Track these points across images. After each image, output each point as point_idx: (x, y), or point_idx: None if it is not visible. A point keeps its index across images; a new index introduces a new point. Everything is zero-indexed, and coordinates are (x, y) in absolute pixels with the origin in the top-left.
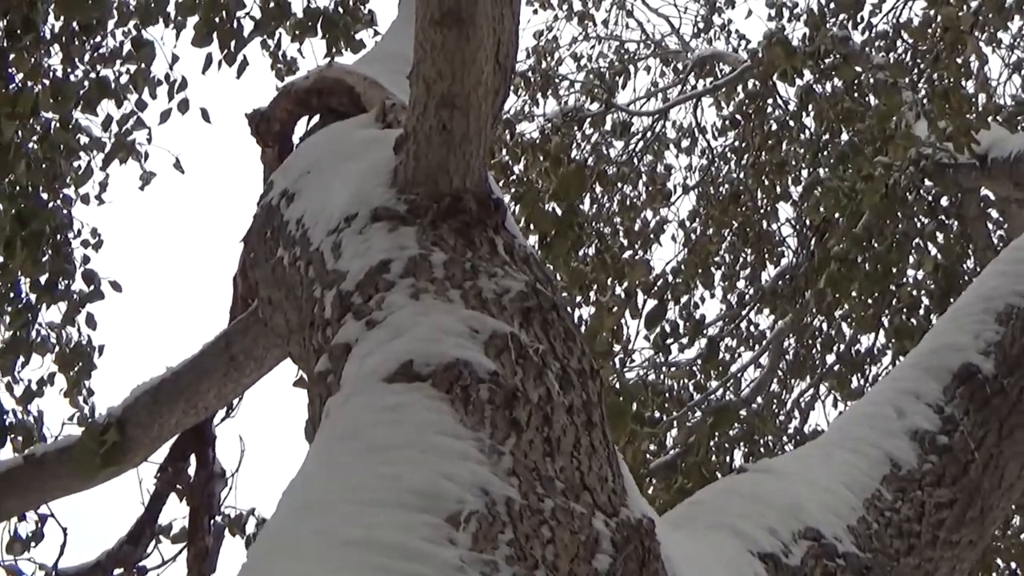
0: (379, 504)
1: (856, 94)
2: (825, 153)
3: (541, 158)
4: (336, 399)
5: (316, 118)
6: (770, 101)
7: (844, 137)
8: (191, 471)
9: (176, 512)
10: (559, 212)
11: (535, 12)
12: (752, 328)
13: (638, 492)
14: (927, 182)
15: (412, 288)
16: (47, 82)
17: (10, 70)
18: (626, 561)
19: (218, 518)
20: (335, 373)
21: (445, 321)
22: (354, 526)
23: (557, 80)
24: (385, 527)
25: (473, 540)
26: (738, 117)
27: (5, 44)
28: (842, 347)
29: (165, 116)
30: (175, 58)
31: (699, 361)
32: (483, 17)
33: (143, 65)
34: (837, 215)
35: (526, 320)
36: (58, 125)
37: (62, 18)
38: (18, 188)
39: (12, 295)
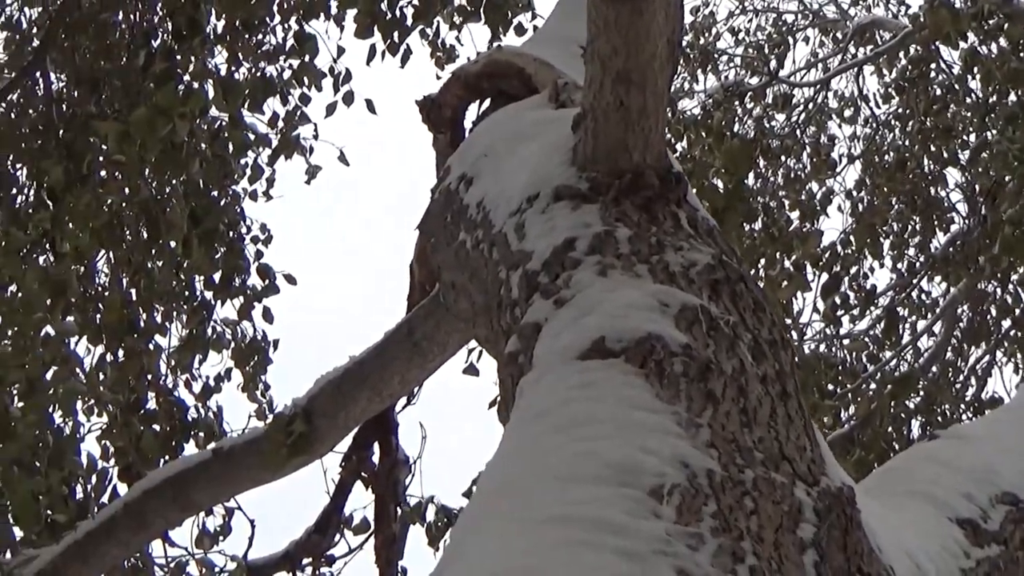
0: (579, 480)
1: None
2: (993, 115)
3: (704, 134)
4: (529, 379)
5: (487, 102)
6: (933, 66)
7: (1012, 98)
8: (375, 459)
9: (359, 502)
10: (727, 187)
11: None
12: (924, 296)
13: (835, 461)
14: None
15: (599, 265)
16: (213, 81)
17: (178, 71)
18: (830, 530)
19: (403, 505)
20: (525, 353)
21: (634, 296)
22: (555, 503)
23: (716, 55)
24: (586, 503)
25: (677, 513)
26: (901, 83)
27: (173, 46)
28: (1018, 312)
29: (331, 109)
30: (340, 51)
31: (871, 332)
32: None
33: (306, 59)
34: (1008, 177)
35: (715, 292)
36: (228, 123)
37: (224, 17)
38: (190, 188)
39: (188, 293)
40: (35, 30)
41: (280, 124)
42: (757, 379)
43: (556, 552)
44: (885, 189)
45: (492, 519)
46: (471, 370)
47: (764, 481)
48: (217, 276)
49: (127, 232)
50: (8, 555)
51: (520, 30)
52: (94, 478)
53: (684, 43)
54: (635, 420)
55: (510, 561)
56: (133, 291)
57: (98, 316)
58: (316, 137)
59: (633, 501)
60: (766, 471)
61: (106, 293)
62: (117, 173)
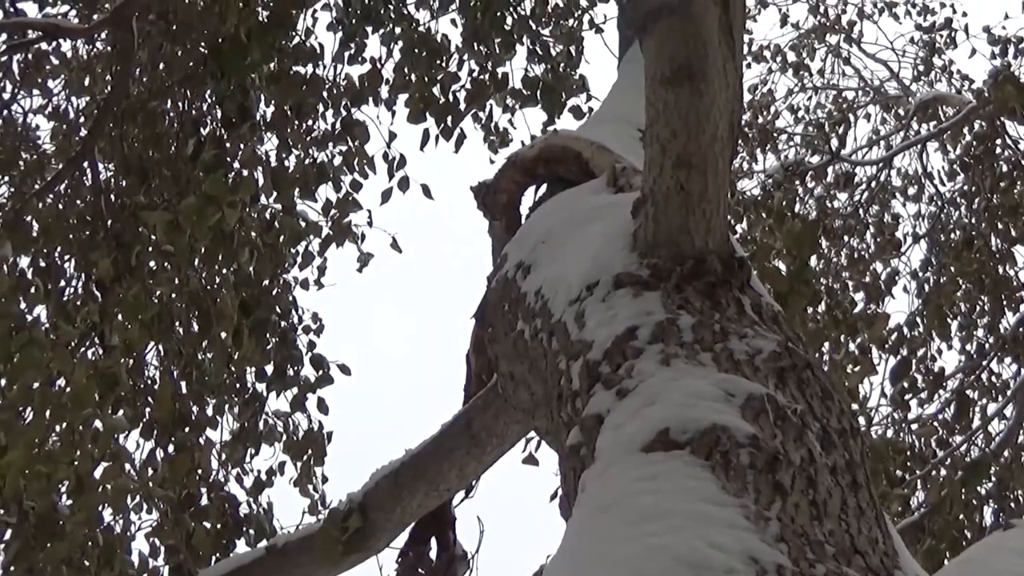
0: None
1: None
2: None
3: (764, 215)
4: (592, 471)
5: (543, 187)
6: (999, 141)
7: None
8: (432, 554)
9: None
10: (790, 269)
11: (748, 66)
12: (994, 378)
13: (908, 553)
14: None
15: (662, 354)
16: (263, 168)
17: (228, 158)
18: None
19: None
20: (588, 445)
21: (699, 386)
22: None
23: (775, 134)
24: None
25: None
26: (966, 160)
27: (223, 133)
28: None
29: (386, 196)
30: (392, 135)
31: (941, 416)
32: (715, 72)
33: (356, 144)
34: None
35: (781, 380)
36: (280, 211)
37: (274, 103)
38: (241, 278)
39: (239, 385)
40: (83, 119)
41: (332, 211)
42: (827, 470)
43: None
44: (952, 268)
45: None
46: (531, 460)
47: None
48: (269, 368)
49: (177, 324)
50: None
51: (576, 112)
52: None
53: (743, 122)
54: (702, 514)
55: None
56: (183, 384)
57: (148, 410)
58: (371, 224)
59: None
60: (838, 566)
61: (156, 386)
62: (166, 264)
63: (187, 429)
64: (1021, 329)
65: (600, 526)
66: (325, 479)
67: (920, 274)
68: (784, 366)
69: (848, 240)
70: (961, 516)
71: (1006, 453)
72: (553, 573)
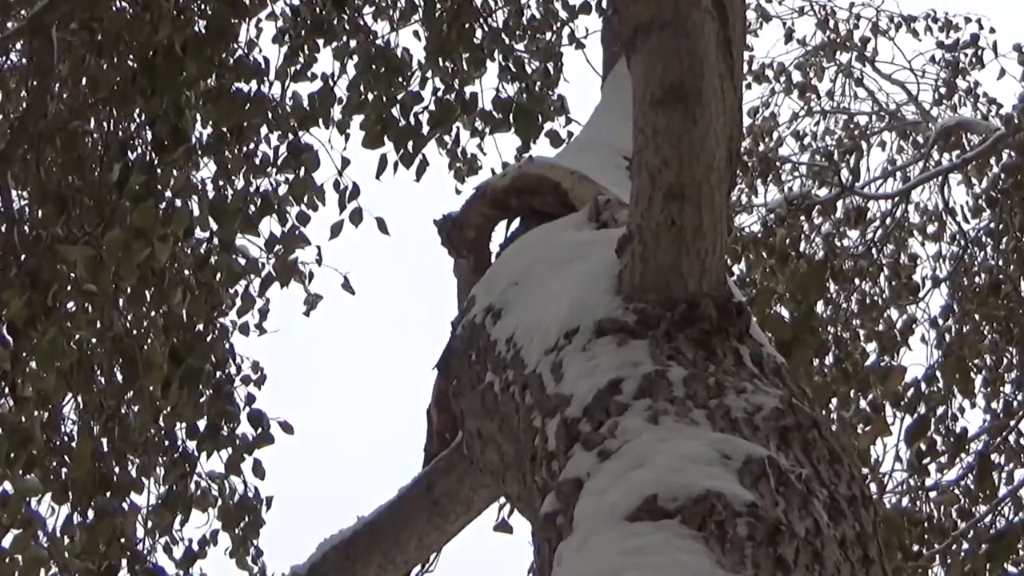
0: None
1: None
2: None
3: (766, 255)
4: (569, 543)
5: (516, 222)
6: None
7: None
8: None
9: None
10: (794, 316)
11: (748, 87)
12: (1023, 440)
13: None
14: None
15: (650, 410)
16: (198, 198)
17: (159, 187)
18: None
19: None
20: (565, 513)
21: (691, 447)
22: None
23: (779, 163)
24: None
25: None
26: (993, 194)
27: (153, 158)
28: None
29: (336, 230)
30: (345, 162)
31: (963, 482)
32: (711, 93)
33: (304, 172)
34: None
35: (784, 441)
36: (217, 247)
37: (213, 125)
38: (172, 321)
39: (168, 443)
40: None
41: (277, 247)
42: (835, 542)
43: None
44: (976, 316)
45: None
46: (503, 528)
47: None
48: (202, 424)
49: (98, 373)
50: None
51: (554, 138)
52: None
53: (742, 150)
54: None
55: None
56: (105, 441)
57: (64, 471)
58: (319, 262)
59: None
60: None
61: (74, 444)
62: (87, 305)
63: (108, 492)
64: None
65: None
66: (260, 552)
67: (940, 322)
68: (787, 425)
69: (860, 283)
70: None
71: None
72: None
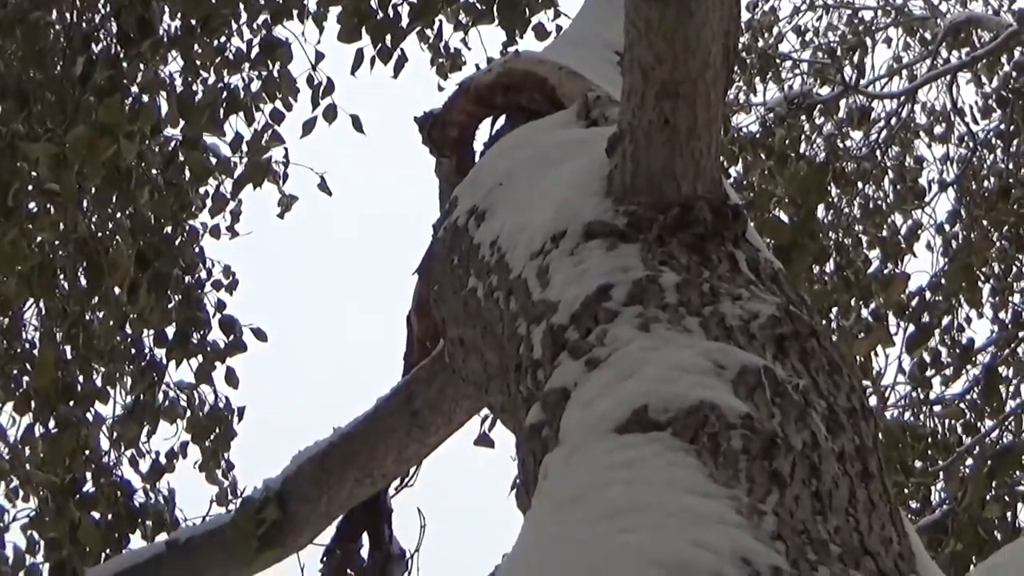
0: None
1: None
2: None
3: (764, 156)
4: (555, 456)
5: (502, 119)
6: None
7: None
8: (364, 553)
9: None
10: (793, 220)
11: None
12: None
13: (927, 556)
14: None
15: (640, 318)
16: (166, 94)
17: (125, 82)
18: None
19: None
20: (551, 425)
21: (683, 356)
22: None
23: (778, 60)
24: None
25: None
26: (1004, 94)
27: (119, 52)
28: None
29: (309, 127)
30: (319, 56)
31: (968, 396)
32: None
33: (278, 68)
34: None
35: (781, 350)
36: (185, 145)
37: (181, 17)
38: (139, 223)
39: (134, 351)
40: None
41: (246, 146)
42: (833, 456)
43: None
44: (984, 222)
45: None
46: (484, 441)
47: None
48: (170, 330)
49: (62, 277)
50: None
51: (541, 32)
52: None
53: (740, 46)
54: (686, 507)
55: None
56: (68, 348)
57: (26, 379)
58: (287, 162)
59: None
60: (844, 569)
61: (36, 351)
62: (50, 205)
63: (72, 402)
64: None
65: (564, 522)
66: (231, 465)
67: (947, 228)
68: (784, 334)
69: (863, 187)
70: (990, 515)
71: None
72: None
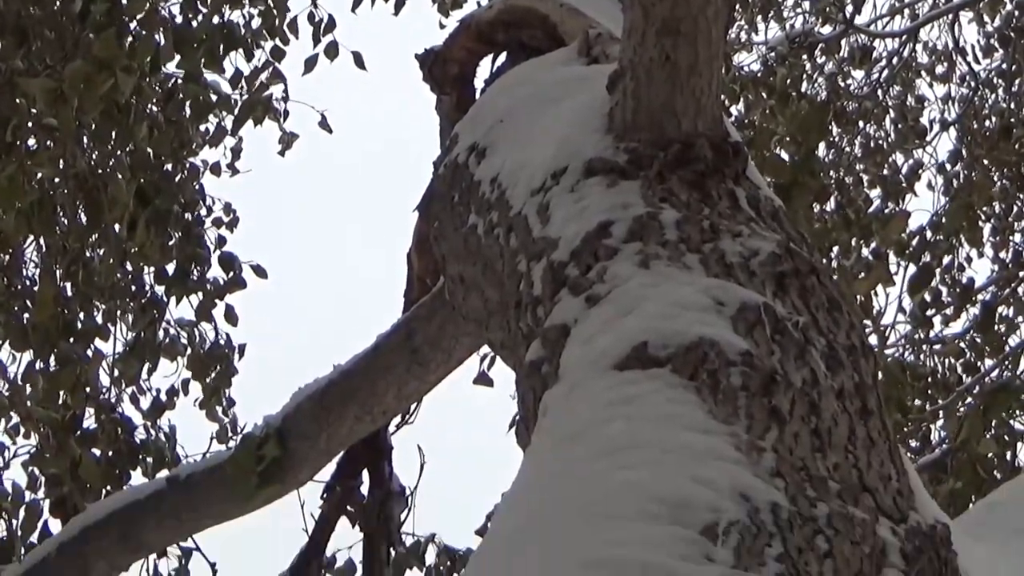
0: (620, 517)
1: None
2: None
3: (765, 95)
4: (555, 392)
5: (503, 56)
6: None
7: None
8: (364, 490)
9: (346, 540)
10: (794, 159)
11: None
12: None
13: (926, 493)
14: None
15: (640, 254)
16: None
17: (123, 16)
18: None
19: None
20: (550, 361)
21: (683, 293)
22: (591, 544)
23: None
24: (628, 544)
25: (735, 556)
26: (1007, 33)
27: None
28: None
29: (311, 64)
30: None
31: (969, 336)
32: None
33: (276, 3)
34: None
35: (781, 288)
36: (185, 80)
37: None
38: (138, 159)
39: (135, 288)
40: None
41: (245, 83)
42: (832, 393)
43: None
44: (986, 161)
45: (513, 564)
46: (483, 380)
47: (841, 517)
48: (170, 267)
49: (61, 213)
50: None
51: None
52: (21, 512)
53: None
54: (685, 444)
55: None
56: (68, 285)
57: (26, 316)
58: (286, 98)
59: (683, 542)
60: (843, 505)
61: (35, 288)
62: (49, 141)
63: (72, 339)
64: None
65: (564, 459)
66: (232, 402)
67: (948, 168)
68: (785, 271)
69: (864, 126)
70: (986, 451)
71: None
72: (506, 514)
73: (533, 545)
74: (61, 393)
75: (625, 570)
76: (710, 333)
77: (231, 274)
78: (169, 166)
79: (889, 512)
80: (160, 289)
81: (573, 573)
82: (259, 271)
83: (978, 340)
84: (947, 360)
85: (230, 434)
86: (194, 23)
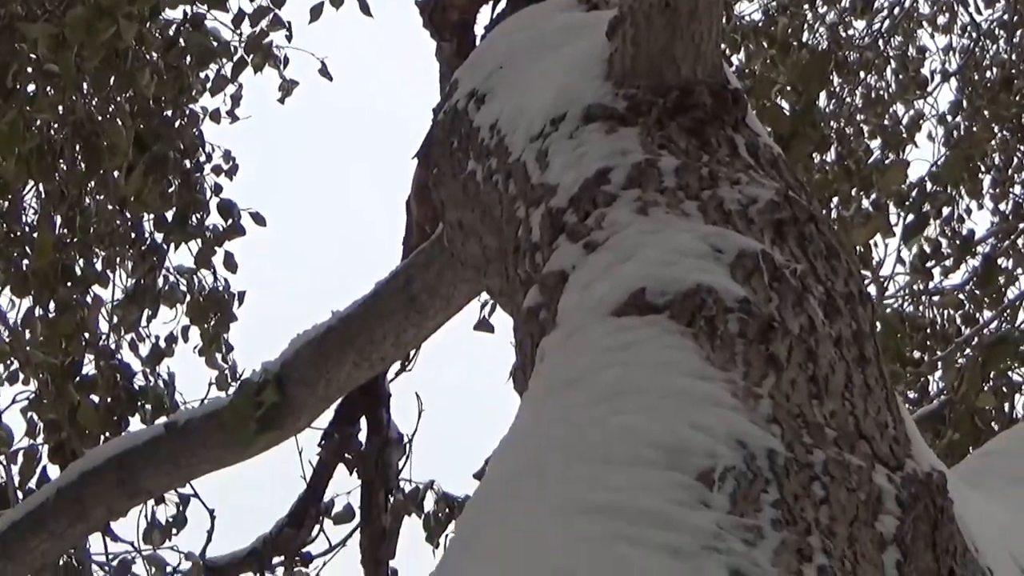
0: (616, 462)
1: None
2: None
3: (766, 44)
4: (553, 339)
5: (503, 2)
6: None
7: None
8: (362, 437)
9: (344, 486)
10: (794, 109)
11: None
12: None
13: (922, 440)
14: None
15: (639, 201)
16: None
17: None
18: (916, 523)
19: (395, 493)
20: (549, 308)
21: (681, 239)
22: (588, 490)
23: None
24: (624, 490)
25: (731, 502)
26: None
27: None
28: None
29: (316, 12)
30: None
31: (968, 287)
32: None
33: None
34: None
35: (779, 235)
36: (186, 26)
37: None
38: (138, 106)
39: (134, 235)
40: None
41: (247, 28)
42: (830, 340)
43: (590, 548)
44: (986, 113)
45: (510, 508)
46: (484, 326)
47: (837, 464)
48: (170, 214)
49: (60, 159)
50: None
51: None
52: (20, 458)
53: None
54: (681, 390)
55: (535, 559)
56: (67, 231)
57: (25, 262)
58: (289, 38)
59: (679, 487)
60: (839, 452)
61: (35, 234)
62: (49, 87)
63: (71, 285)
64: None
65: (560, 404)
66: (231, 348)
67: (949, 119)
68: (783, 219)
69: (865, 76)
70: (984, 404)
71: None
72: (502, 459)
73: (529, 490)
74: (60, 339)
75: (621, 515)
76: (708, 280)
77: (230, 221)
78: (169, 113)
79: (885, 459)
80: (159, 236)
81: (569, 518)
82: (258, 219)
83: (977, 292)
84: (946, 312)
85: (229, 381)
86: None
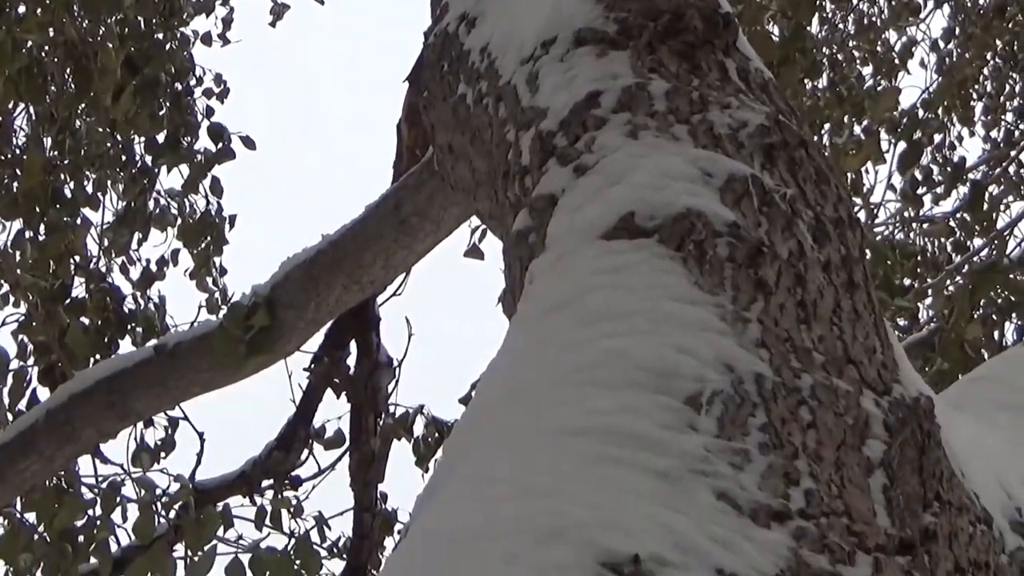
0: (604, 385)
1: None
2: None
3: None
4: (541, 262)
5: None
6: None
7: None
8: (351, 361)
9: (333, 411)
10: (785, 34)
11: None
12: (1023, 172)
13: (910, 365)
14: None
15: (628, 125)
16: None
17: None
18: (902, 447)
19: (385, 417)
20: (538, 231)
21: (671, 163)
22: (575, 412)
23: None
24: (612, 413)
25: (718, 425)
26: None
27: None
28: None
29: None
30: None
31: (959, 214)
32: None
33: None
34: None
35: (769, 159)
36: None
37: None
38: (128, 28)
39: (124, 157)
40: None
41: None
42: (819, 265)
43: (577, 470)
44: (979, 40)
45: (498, 430)
46: (474, 252)
47: (824, 388)
48: (160, 137)
49: (50, 81)
50: None
51: None
52: (9, 379)
53: None
54: (670, 313)
55: (522, 480)
56: (57, 153)
57: (15, 184)
58: None
59: (667, 411)
60: (827, 376)
61: (24, 155)
62: (38, 8)
63: (61, 207)
64: None
65: (549, 327)
66: (223, 271)
67: (941, 45)
68: (773, 143)
69: (857, 3)
70: (973, 333)
71: None
72: (491, 383)
73: (517, 413)
74: (50, 262)
75: (609, 438)
76: (697, 204)
77: (220, 145)
78: (159, 35)
79: (873, 384)
80: (149, 159)
81: (557, 440)
82: (247, 142)
83: (967, 219)
84: (936, 239)
85: (220, 304)
86: None
